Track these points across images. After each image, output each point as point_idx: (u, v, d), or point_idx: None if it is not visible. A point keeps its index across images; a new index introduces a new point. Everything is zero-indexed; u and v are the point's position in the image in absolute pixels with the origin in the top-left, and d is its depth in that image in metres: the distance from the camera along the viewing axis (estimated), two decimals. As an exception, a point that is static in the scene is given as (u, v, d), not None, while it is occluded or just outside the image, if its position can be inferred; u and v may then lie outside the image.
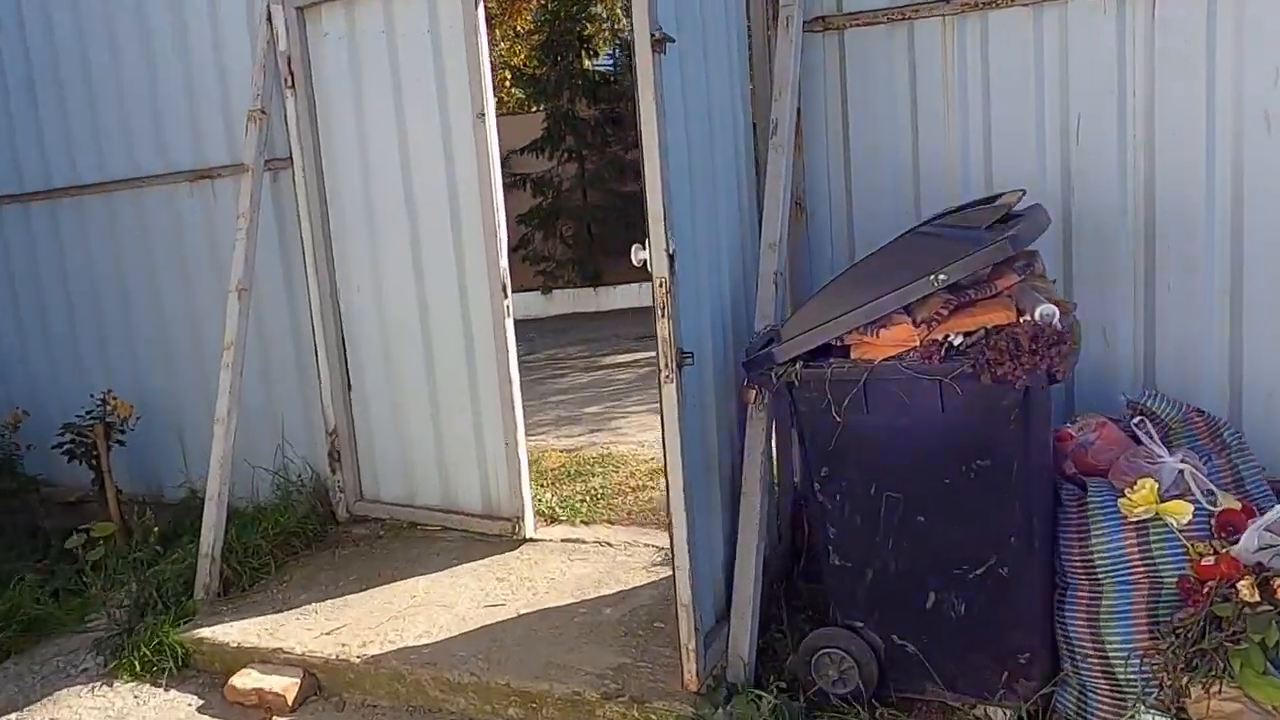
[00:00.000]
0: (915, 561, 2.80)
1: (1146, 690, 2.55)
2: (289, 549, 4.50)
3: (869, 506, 2.82)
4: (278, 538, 4.48)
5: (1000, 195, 2.87)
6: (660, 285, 2.70)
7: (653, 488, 4.94)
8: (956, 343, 2.57)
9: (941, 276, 2.51)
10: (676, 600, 2.90)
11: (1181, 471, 2.72)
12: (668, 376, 2.74)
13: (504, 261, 4.24)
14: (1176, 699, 2.50)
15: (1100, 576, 2.71)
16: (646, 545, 4.21)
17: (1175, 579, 2.63)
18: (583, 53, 13.26)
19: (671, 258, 2.71)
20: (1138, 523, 2.67)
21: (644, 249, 2.83)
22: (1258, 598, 2.43)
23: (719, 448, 3.26)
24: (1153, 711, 2.52)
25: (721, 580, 3.24)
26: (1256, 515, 2.71)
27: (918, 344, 2.60)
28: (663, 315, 2.71)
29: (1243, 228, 3.18)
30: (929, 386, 2.64)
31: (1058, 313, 2.47)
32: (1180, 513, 2.61)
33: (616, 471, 5.26)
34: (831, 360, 2.75)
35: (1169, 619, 2.60)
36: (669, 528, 2.87)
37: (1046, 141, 3.38)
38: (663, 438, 2.81)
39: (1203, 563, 2.60)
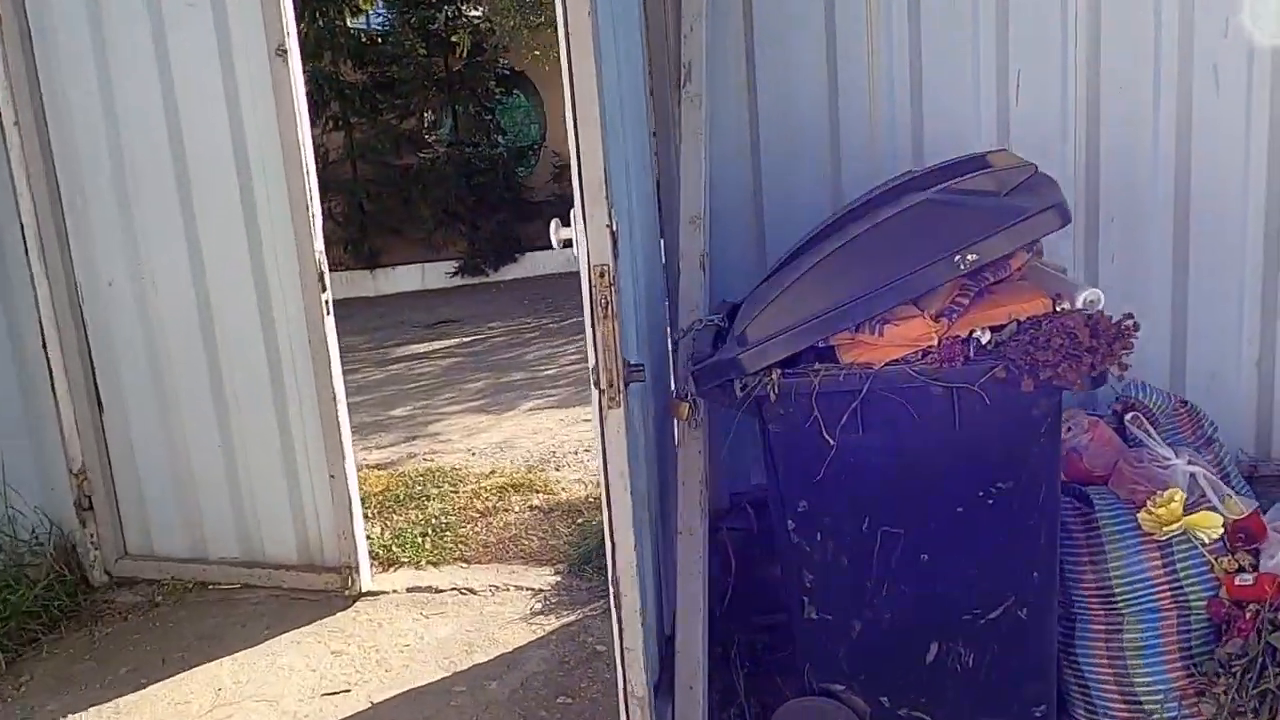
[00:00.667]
0: (915, 609, 2.27)
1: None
2: (25, 636, 3.34)
3: (860, 547, 2.25)
4: (6, 622, 3.30)
5: (986, 155, 2.37)
6: (600, 274, 1.96)
7: (507, 509, 4.16)
8: (985, 340, 2.03)
9: (971, 256, 1.96)
10: (625, 692, 2.20)
11: (1193, 475, 2.36)
12: (612, 400, 2.01)
13: (320, 242, 3.30)
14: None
15: (1120, 606, 2.31)
16: (519, 589, 3.45)
17: (1203, 603, 2.27)
18: (345, 9, 11.87)
19: (615, 236, 1.98)
20: (1160, 540, 2.28)
21: (566, 225, 2.08)
22: (1319, 624, 2.10)
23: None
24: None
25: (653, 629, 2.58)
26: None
27: (935, 343, 2.05)
28: (604, 315, 1.98)
29: (1189, 191, 2.89)
30: (941, 397, 2.09)
31: (1103, 298, 1.99)
32: (1210, 525, 2.24)
33: (455, 491, 4.43)
34: (819, 367, 2.14)
35: (1208, 652, 2.23)
36: (613, 599, 2.15)
37: (981, 94, 2.94)
38: (605, 480, 2.08)
39: (1237, 582, 2.25)
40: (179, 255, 3.42)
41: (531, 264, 11.56)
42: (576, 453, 4.94)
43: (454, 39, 11.00)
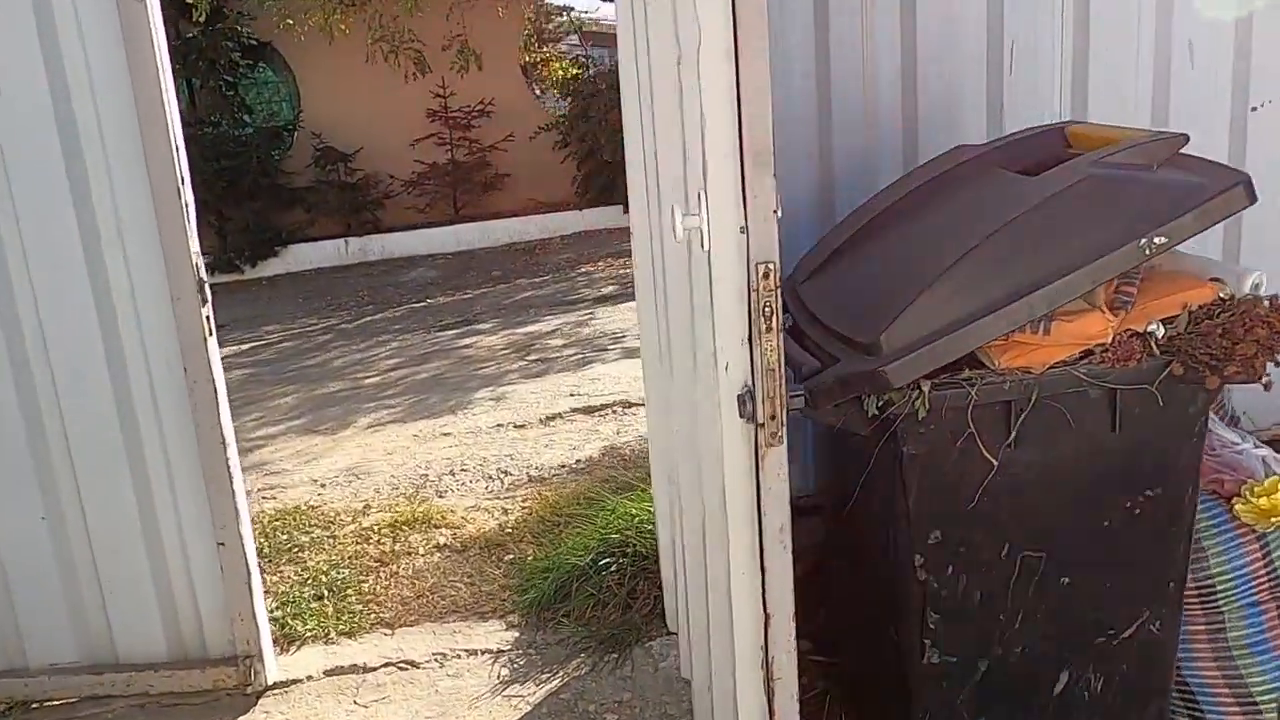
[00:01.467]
0: (1049, 638, 2.02)
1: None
2: None
3: (997, 576, 1.96)
4: None
5: (1064, 126, 2.14)
6: (764, 275, 1.51)
7: (409, 553, 3.49)
8: (1160, 334, 1.79)
9: (1160, 239, 1.71)
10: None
11: (1264, 459, 2.30)
12: (774, 435, 1.56)
13: (195, 240, 2.50)
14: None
15: (1220, 603, 2.19)
16: (472, 653, 2.86)
17: (1297, 591, 2.21)
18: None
19: (779, 224, 1.53)
20: (1259, 534, 2.18)
21: (693, 213, 1.59)
22: None
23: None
24: (1341, 763, 2.07)
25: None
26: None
27: (1109, 340, 1.78)
28: (767, 327, 1.52)
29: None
30: (1098, 400, 1.84)
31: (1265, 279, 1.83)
32: (1307, 512, 2.17)
33: (331, 536, 3.67)
34: (970, 375, 1.81)
35: (1314, 643, 2.17)
36: (765, 682, 1.71)
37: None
38: (759, 537, 1.63)
39: (1332, 568, 2.20)
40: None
41: (295, 258, 10.36)
42: (453, 473, 4.31)
43: (189, 1, 9.55)
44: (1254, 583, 2.18)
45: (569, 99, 11.16)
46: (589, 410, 4.92)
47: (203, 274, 2.51)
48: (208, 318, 2.52)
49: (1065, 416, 1.84)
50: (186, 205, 2.45)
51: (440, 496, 4.06)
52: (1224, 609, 2.18)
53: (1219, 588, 2.18)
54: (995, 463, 1.83)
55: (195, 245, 2.49)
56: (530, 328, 6.92)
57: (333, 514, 3.88)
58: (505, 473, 4.26)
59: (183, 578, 2.71)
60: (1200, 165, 1.85)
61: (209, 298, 2.52)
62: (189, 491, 2.64)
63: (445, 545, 3.53)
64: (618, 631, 2.82)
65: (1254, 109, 2.85)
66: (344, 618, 3.07)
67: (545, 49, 12.26)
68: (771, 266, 1.50)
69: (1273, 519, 2.13)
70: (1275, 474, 2.19)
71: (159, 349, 2.53)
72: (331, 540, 3.63)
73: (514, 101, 10.98)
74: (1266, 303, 1.76)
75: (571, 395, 5.17)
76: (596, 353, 5.94)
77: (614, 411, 4.87)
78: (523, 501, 3.87)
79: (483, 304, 8.01)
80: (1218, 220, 1.75)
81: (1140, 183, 1.78)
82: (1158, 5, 2.76)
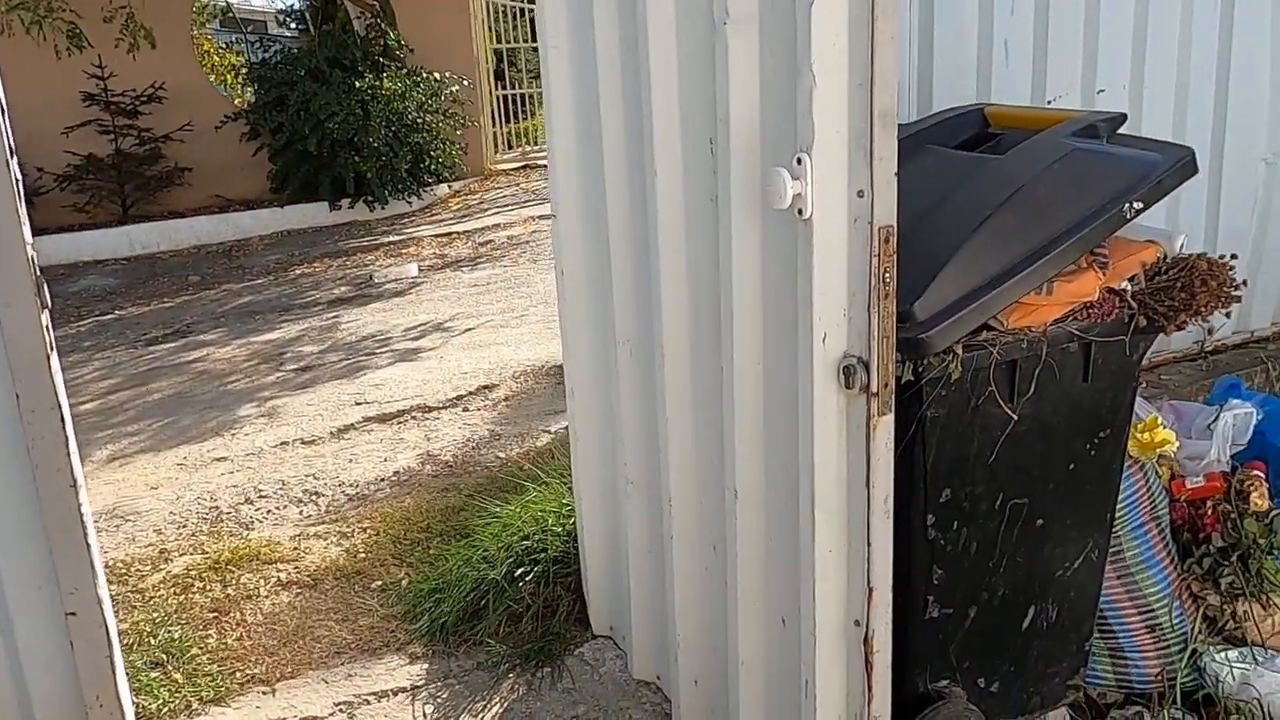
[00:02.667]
0: (1023, 579, 2.18)
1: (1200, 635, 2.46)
2: None
3: (989, 526, 2.07)
4: None
5: (984, 107, 2.32)
6: (885, 240, 1.47)
7: (249, 597, 2.97)
8: (1129, 291, 2.00)
9: (1138, 205, 1.90)
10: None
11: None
12: (885, 404, 1.53)
13: (28, 231, 1.94)
14: (1233, 626, 2.47)
15: (1117, 527, 2.51)
16: (381, 697, 2.51)
17: (1166, 510, 2.58)
18: None
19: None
20: (1141, 463, 2.52)
21: (797, 176, 1.51)
22: (1268, 504, 2.53)
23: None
24: (1221, 648, 2.45)
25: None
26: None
27: (1096, 297, 1.95)
28: (885, 294, 1.49)
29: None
30: (1076, 354, 2.01)
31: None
32: (1170, 441, 2.55)
33: (132, 590, 3.04)
34: (989, 335, 1.89)
35: (1187, 554, 2.54)
36: (864, 660, 1.67)
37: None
38: (867, 512, 1.58)
39: (1189, 484, 2.60)
40: None
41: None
42: (251, 501, 3.76)
43: None
44: (1139, 506, 2.51)
45: (255, 85, 10.15)
46: (384, 419, 4.52)
47: (34, 263, 1.96)
48: (48, 328, 1.97)
49: (1054, 370, 2.00)
50: (17, 182, 1.89)
51: (249, 529, 3.52)
52: (1119, 532, 2.50)
53: (1117, 514, 2.49)
54: (1014, 417, 1.94)
55: (28, 235, 1.93)
56: (268, 335, 6.22)
57: (122, 566, 3.22)
58: (315, 494, 3.79)
59: (2, 668, 2.10)
60: (1143, 141, 2.09)
61: (49, 302, 1.97)
62: (14, 554, 2.05)
63: (291, 582, 3.07)
64: (541, 644, 2.63)
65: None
66: (201, 682, 2.56)
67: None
68: (892, 230, 1.47)
69: (1151, 450, 2.47)
70: (1152, 413, 2.55)
71: (-24, 373, 1.94)
72: (138, 596, 3.01)
73: (188, 86, 9.77)
74: (1205, 262, 2.03)
75: (357, 404, 4.72)
76: (365, 357, 5.48)
77: (413, 417, 4.52)
78: (358, 523, 3.47)
79: (192, 313, 7.06)
80: (1174, 187, 2.00)
81: (1113, 155, 1.98)
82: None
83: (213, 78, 11.51)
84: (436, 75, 9.88)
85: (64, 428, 2.01)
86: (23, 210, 1.91)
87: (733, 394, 1.80)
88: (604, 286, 2.24)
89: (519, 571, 2.70)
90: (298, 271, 8.21)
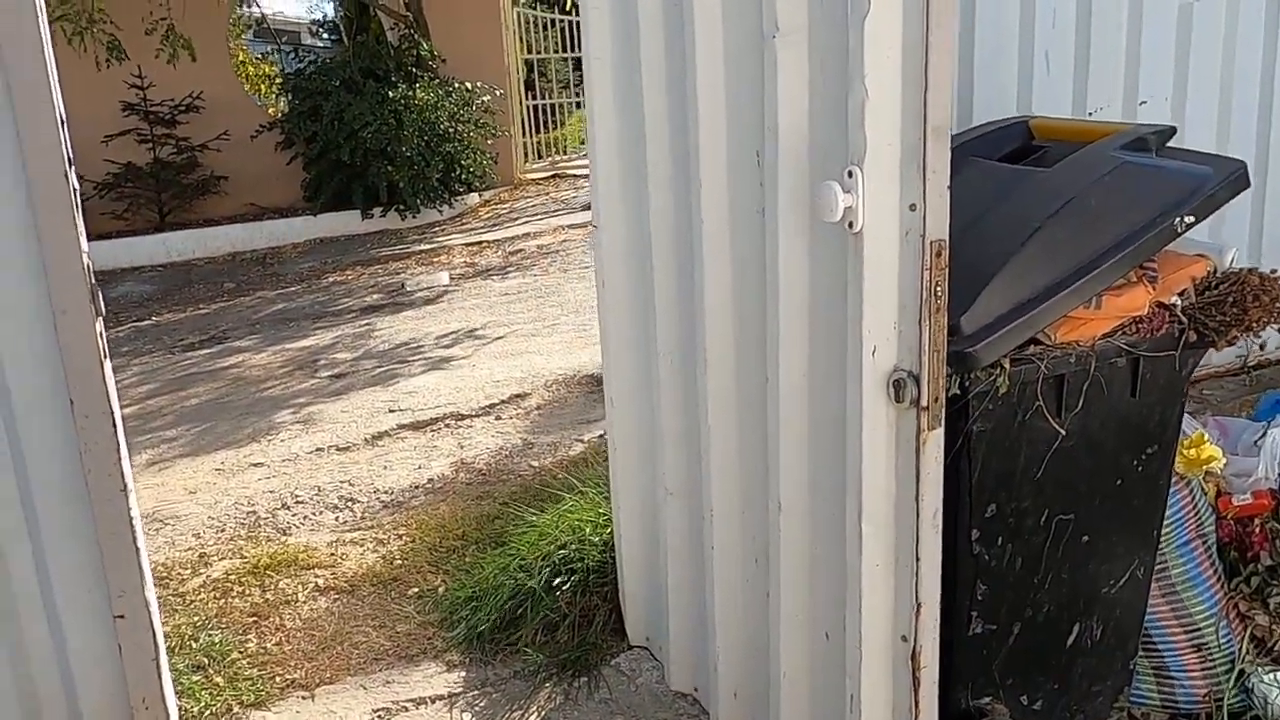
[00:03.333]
0: (1067, 595, 2.16)
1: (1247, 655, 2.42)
2: None
3: (1035, 541, 2.06)
4: None
5: (1029, 120, 2.30)
6: (937, 253, 1.47)
7: (287, 602, 3.00)
8: (1180, 305, 1.98)
9: (1190, 219, 1.88)
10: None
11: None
12: (936, 417, 1.53)
13: (84, 239, 1.98)
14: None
15: (1162, 544, 2.47)
16: (420, 704, 2.52)
17: (1213, 528, 2.55)
18: None
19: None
20: (1187, 480, 2.49)
21: (848, 189, 1.51)
22: (1322, 524, 2.49)
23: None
24: (1270, 668, 2.41)
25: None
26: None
27: (1146, 311, 1.93)
28: (936, 307, 1.48)
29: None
30: (1124, 368, 2.00)
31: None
32: (1217, 457, 2.51)
33: (173, 593, 3.07)
34: (1037, 349, 1.88)
35: (1234, 572, 2.51)
36: (911, 674, 1.66)
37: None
38: (915, 526, 1.58)
39: (1235, 501, 2.56)
40: None
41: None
42: (288, 507, 3.79)
43: None
44: (1186, 524, 2.48)
45: (288, 96, 10.28)
46: (418, 426, 4.55)
47: (93, 278, 1.99)
48: (101, 335, 2.00)
49: (1101, 385, 1.98)
50: (75, 191, 1.93)
51: (286, 534, 3.56)
52: (1165, 549, 2.46)
53: (1162, 531, 2.45)
54: (1062, 432, 1.93)
55: (84, 242, 1.97)
56: (303, 342, 6.28)
57: (163, 569, 3.26)
58: (351, 500, 3.82)
59: (52, 668, 2.13)
60: (1193, 154, 2.07)
61: (103, 309, 2.01)
62: (66, 556, 2.08)
63: (328, 588, 3.10)
64: (578, 653, 2.63)
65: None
66: (241, 686, 2.59)
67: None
68: (944, 244, 1.46)
69: (1198, 467, 2.44)
70: (1198, 429, 2.51)
71: (29, 377, 1.97)
72: (179, 599, 3.05)
73: (225, 96, 9.91)
74: (1257, 277, 2.01)
75: (391, 411, 4.76)
76: (399, 365, 5.52)
77: (446, 425, 4.55)
78: (394, 530, 3.49)
79: (227, 319, 7.15)
80: (1226, 201, 1.98)
81: (1163, 168, 1.96)
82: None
83: (248, 88, 11.70)
84: (468, 85, 9.95)
85: (116, 433, 2.04)
86: (80, 219, 1.95)
87: (778, 406, 1.79)
88: (646, 297, 2.24)
89: (556, 581, 2.71)
90: (331, 279, 8.29)
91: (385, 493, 3.86)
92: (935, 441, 1.54)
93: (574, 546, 2.79)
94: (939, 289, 1.47)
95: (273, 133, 9.95)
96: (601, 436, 3.75)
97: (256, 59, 14.91)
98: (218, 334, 6.75)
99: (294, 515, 3.73)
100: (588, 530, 2.84)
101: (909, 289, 1.49)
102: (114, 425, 2.03)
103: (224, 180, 9.83)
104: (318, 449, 4.38)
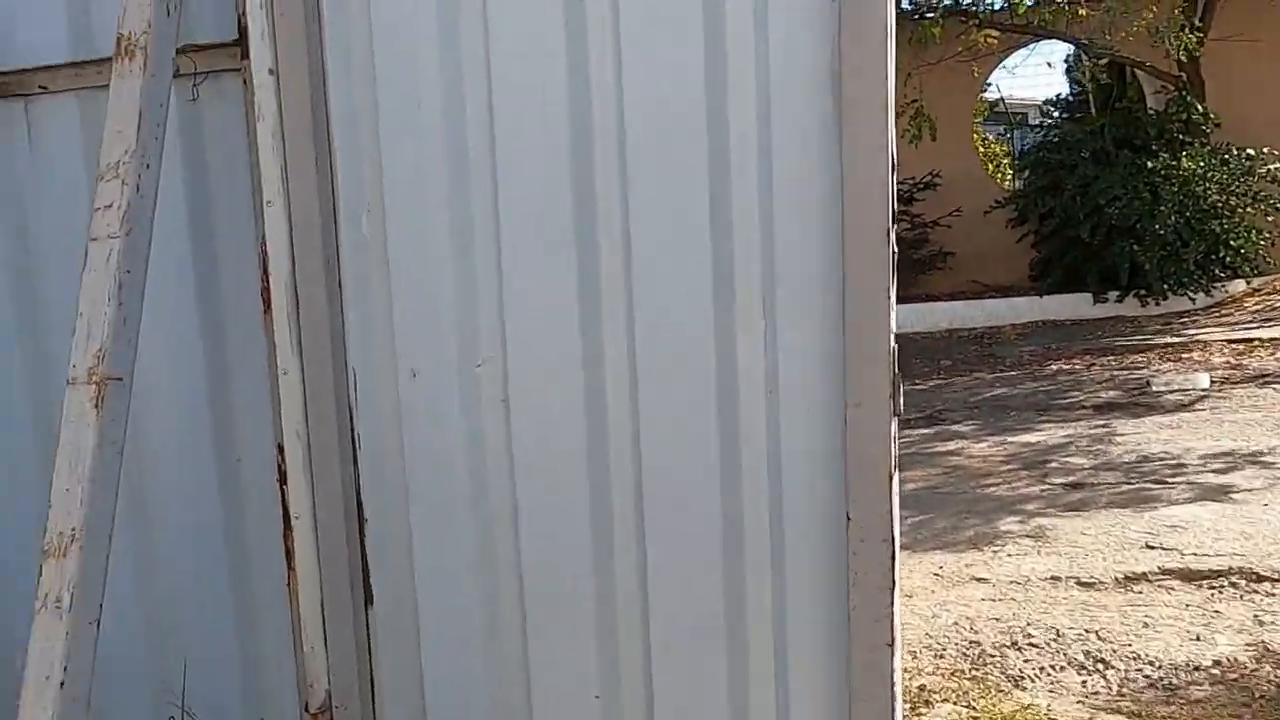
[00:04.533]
0: None
1: None
2: None
3: None
4: None
5: None
6: None
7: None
8: None
9: None
10: None
11: None
12: None
13: (893, 317, 1.59)
14: None
15: None
16: None
17: None
18: None
19: None
20: None
21: None
22: None
23: None
24: None
25: None
26: None
27: None
28: None
29: None
30: None
31: None
32: None
33: (906, 698, 2.64)
34: None
35: None
36: None
37: None
38: None
39: None
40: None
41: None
42: (1018, 647, 3.13)
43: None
44: None
45: (1028, 170, 9.76)
46: (1190, 577, 3.51)
47: (897, 368, 1.60)
48: (894, 439, 1.59)
49: None
50: (893, 257, 1.55)
51: (1018, 686, 2.89)
52: None
53: None
54: None
55: (893, 322, 1.59)
56: (1027, 437, 5.60)
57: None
58: (1102, 662, 3.00)
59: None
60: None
61: (901, 408, 1.60)
62: (809, 677, 1.71)
63: (1084, 790, 2.35)
64: None
65: None
66: None
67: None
68: None
69: None
70: None
71: (805, 486, 1.64)
72: (897, 740, 2.59)
73: (962, 173, 9.81)
74: None
75: (1149, 547, 3.79)
76: (1154, 485, 4.49)
77: (1233, 584, 3.42)
78: (1171, 726, 2.59)
79: (943, 398, 6.83)
80: None
81: None
82: None
83: (989, 167, 11.50)
84: (1250, 152, 8.28)
85: (892, 566, 1.61)
86: (892, 298, 1.57)
87: None
88: None
89: None
90: (1054, 366, 7.47)
91: (1150, 664, 2.96)
92: None
93: None
94: None
95: (1005, 209, 9.53)
96: None
97: (989, 140, 14.82)
98: (933, 413, 6.45)
99: (1026, 662, 3.05)
100: None
101: None
102: (893, 543, 1.60)
103: (950, 256, 9.71)
104: (1053, 576, 3.64)
